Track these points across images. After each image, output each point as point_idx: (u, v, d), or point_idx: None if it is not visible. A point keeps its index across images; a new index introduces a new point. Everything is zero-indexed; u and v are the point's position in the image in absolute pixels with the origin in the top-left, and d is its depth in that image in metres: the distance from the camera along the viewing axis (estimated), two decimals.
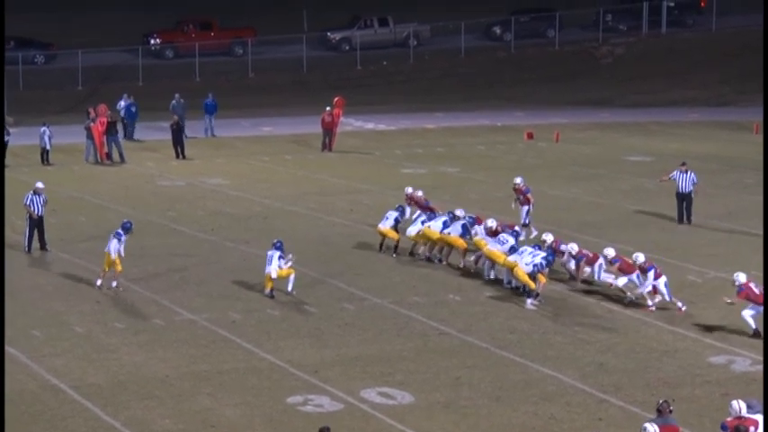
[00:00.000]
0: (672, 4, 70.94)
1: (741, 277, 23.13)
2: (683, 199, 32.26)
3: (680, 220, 32.27)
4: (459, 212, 28.30)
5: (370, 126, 51.21)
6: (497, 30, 69.43)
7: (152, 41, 64.82)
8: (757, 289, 23.09)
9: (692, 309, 24.88)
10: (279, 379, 21.02)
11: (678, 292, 26.05)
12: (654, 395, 19.60)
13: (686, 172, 32.28)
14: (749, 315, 23.08)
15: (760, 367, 21.47)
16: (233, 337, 23.16)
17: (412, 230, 28.51)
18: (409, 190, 31.21)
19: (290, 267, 25.67)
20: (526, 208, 30.97)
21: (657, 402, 16.73)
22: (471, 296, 25.72)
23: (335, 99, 45.45)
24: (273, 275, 25.45)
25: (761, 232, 30.93)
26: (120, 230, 26.32)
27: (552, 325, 23.99)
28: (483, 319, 24.26)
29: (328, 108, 45.00)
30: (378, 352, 22.38)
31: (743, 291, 23.03)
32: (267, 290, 25.55)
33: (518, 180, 31.46)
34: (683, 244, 30.08)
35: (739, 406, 16.57)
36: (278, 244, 25.64)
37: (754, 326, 23.05)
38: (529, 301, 25.14)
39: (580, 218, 33.11)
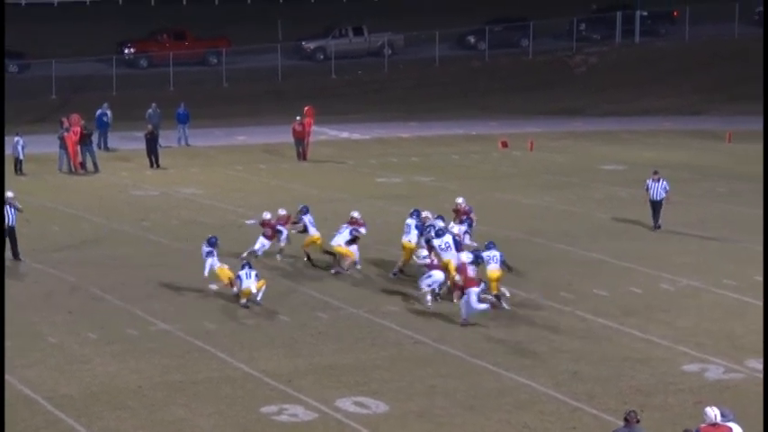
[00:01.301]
0: (645, 14, 71.27)
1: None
2: (655, 206, 32.46)
3: (653, 228, 32.43)
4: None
5: (344, 135, 51.25)
6: (471, 39, 69.60)
7: (126, 51, 64.70)
8: None
9: (665, 317, 24.97)
10: (253, 388, 20.99)
11: (651, 299, 26.20)
12: (627, 403, 19.65)
13: (658, 180, 32.47)
14: None
15: (733, 375, 21.58)
16: (207, 346, 23.11)
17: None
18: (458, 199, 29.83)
19: (263, 279, 25.81)
20: (464, 228, 28.67)
21: (625, 412, 16.79)
22: (445, 306, 25.74)
23: (306, 108, 45.51)
24: (253, 290, 25.52)
25: (732, 240, 31.13)
26: (208, 248, 26.45)
27: (525, 333, 24.03)
28: (457, 328, 24.28)
29: (299, 118, 45.07)
30: (352, 361, 22.38)
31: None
32: (243, 300, 25.55)
33: (460, 200, 29.99)
34: (655, 252, 30.20)
35: (714, 413, 16.62)
36: (246, 263, 25.88)
37: None
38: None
39: (554, 227, 33.20)
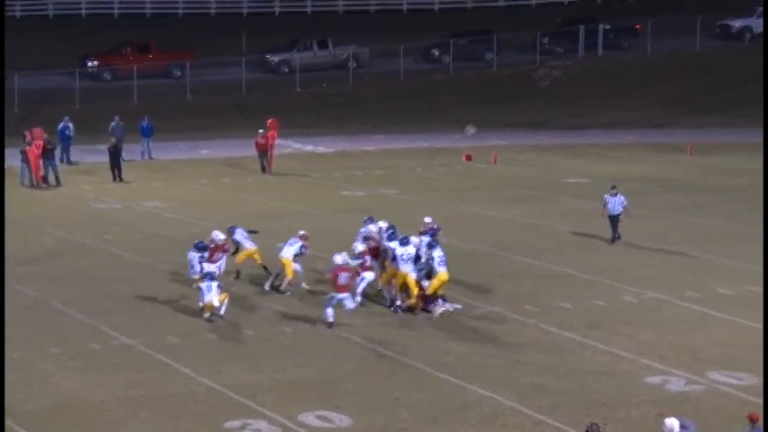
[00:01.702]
0: (608, 28, 71.67)
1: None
2: (614, 220, 32.56)
3: (612, 241, 32.53)
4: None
5: (309, 148, 51.24)
6: (436, 52, 69.74)
7: (90, 64, 64.49)
8: None
9: (628, 329, 25.08)
10: (216, 403, 20.93)
11: (615, 312, 26.31)
12: (590, 416, 19.72)
13: (616, 195, 32.56)
14: None
15: (695, 387, 21.70)
16: (170, 361, 23.03)
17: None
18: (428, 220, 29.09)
19: (225, 293, 25.74)
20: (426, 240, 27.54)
21: (587, 425, 16.84)
22: (408, 318, 25.75)
23: (269, 121, 45.48)
24: (216, 303, 25.45)
25: (695, 252, 31.30)
26: (199, 252, 26.76)
27: (490, 346, 24.07)
28: (421, 341, 24.30)
29: (261, 131, 45.04)
30: (315, 375, 22.35)
31: None
32: (206, 314, 25.48)
33: (428, 219, 28.95)
34: (619, 265, 30.32)
35: (672, 424, 16.70)
36: (209, 274, 25.74)
37: None
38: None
39: (519, 240, 33.29)
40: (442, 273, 25.87)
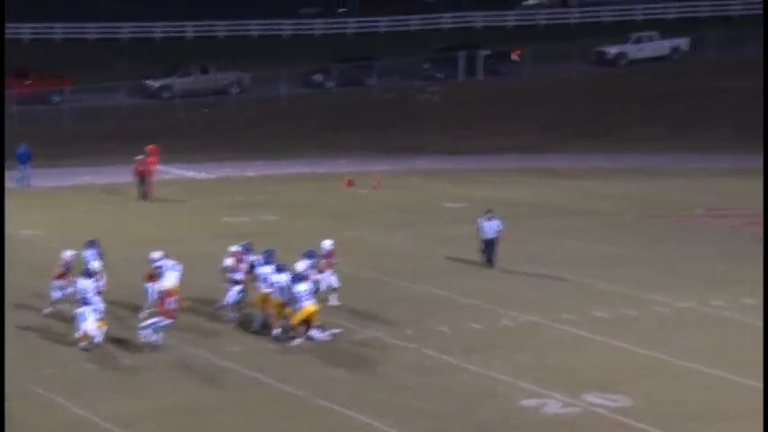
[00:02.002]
0: (487, 54, 72.60)
1: None
2: (488, 245, 32.82)
3: (486, 265, 32.74)
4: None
5: (190, 174, 50.95)
6: (318, 78, 69.96)
7: None
8: None
9: (506, 353, 25.34)
10: None
11: (494, 336, 26.56)
12: None
13: (490, 219, 32.87)
14: None
15: (571, 409, 22.01)
16: (46, 392, 22.68)
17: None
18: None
19: (103, 320, 25.48)
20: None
21: None
22: (288, 345, 25.71)
23: (149, 147, 45.17)
24: (92, 332, 25.14)
25: (572, 275, 31.76)
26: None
27: (371, 372, 24.15)
28: (300, 368, 24.29)
29: (140, 156, 44.72)
30: (194, 403, 22.20)
31: None
32: (83, 343, 25.16)
33: (327, 243, 29.09)
34: (497, 289, 30.63)
35: None
36: (86, 299, 25.48)
37: None
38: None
39: (400, 265, 33.44)
40: (308, 305, 25.82)
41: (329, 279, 28.63)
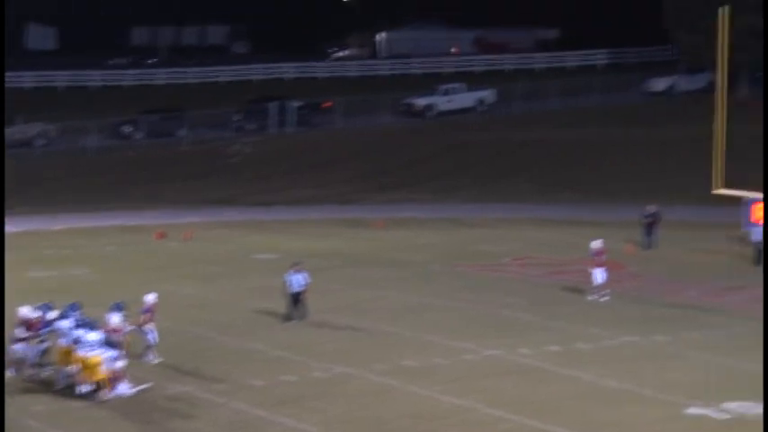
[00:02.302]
0: (299, 104, 73.07)
1: None
2: (296, 298, 32.82)
3: (296, 317, 32.68)
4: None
5: None
6: (126, 129, 69.30)
7: None
8: None
9: (317, 404, 25.39)
10: None
11: (305, 387, 26.57)
12: None
13: (298, 272, 32.91)
14: None
15: None
16: None
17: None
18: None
19: None
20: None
21: None
22: (95, 402, 25.31)
23: None
24: None
25: (382, 326, 32.05)
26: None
27: (180, 428, 23.89)
28: (107, 426, 23.88)
29: None
30: None
31: None
32: None
33: (150, 297, 28.78)
34: (308, 340, 30.70)
35: None
36: None
37: None
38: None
39: (211, 317, 33.26)
40: (92, 356, 25.40)
41: (151, 335, 28.23)
